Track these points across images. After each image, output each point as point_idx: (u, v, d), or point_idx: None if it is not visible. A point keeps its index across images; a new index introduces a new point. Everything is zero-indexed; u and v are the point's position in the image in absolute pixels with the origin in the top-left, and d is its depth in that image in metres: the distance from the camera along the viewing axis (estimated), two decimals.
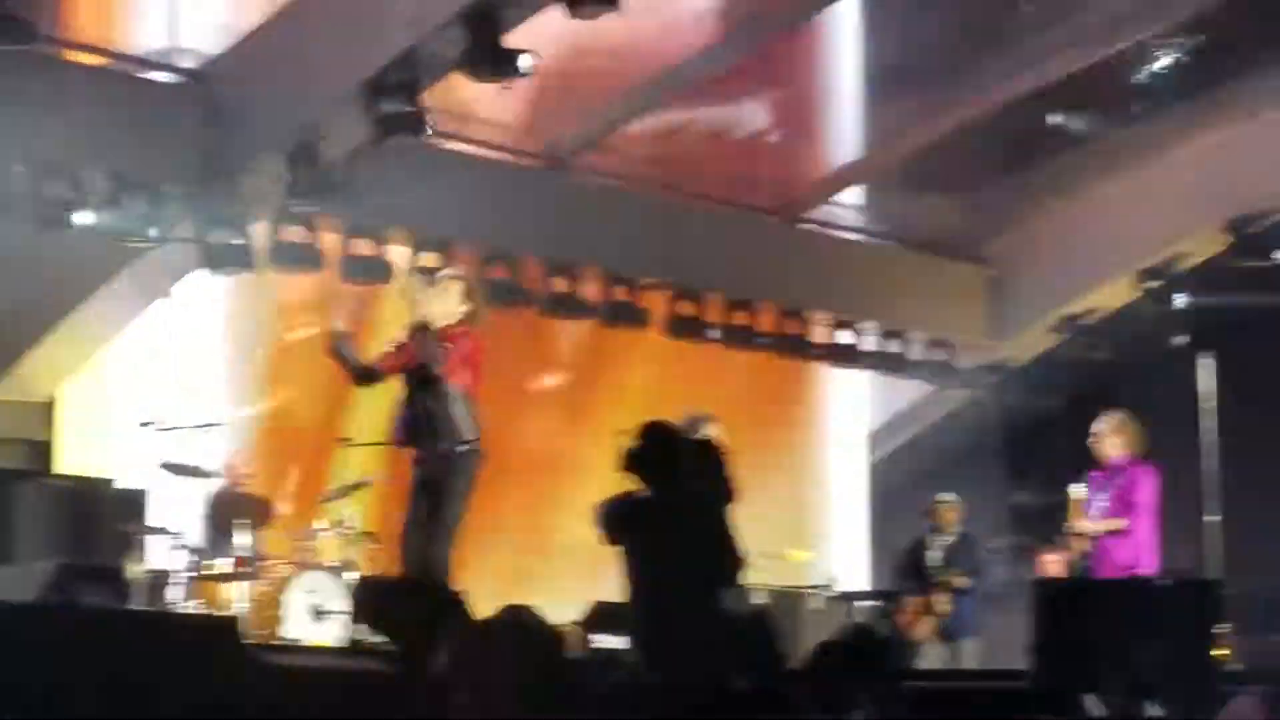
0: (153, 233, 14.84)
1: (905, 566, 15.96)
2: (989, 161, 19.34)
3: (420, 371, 11.21)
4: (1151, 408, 13.35)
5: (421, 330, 11.17)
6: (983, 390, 20.31)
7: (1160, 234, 19.33)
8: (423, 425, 11.24)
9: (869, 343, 19.50)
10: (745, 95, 18.25)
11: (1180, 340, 16.78)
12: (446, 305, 11.41)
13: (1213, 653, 10.56)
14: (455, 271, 11.89)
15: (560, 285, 17.36)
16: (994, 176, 19.66)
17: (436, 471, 11.23)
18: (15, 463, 15.39)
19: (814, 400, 19.93)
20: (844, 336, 19.39)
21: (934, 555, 15.77)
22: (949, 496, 16.06)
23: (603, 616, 13.04)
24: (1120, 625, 10.24)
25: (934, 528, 15.89)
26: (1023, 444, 19.80)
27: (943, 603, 15.48)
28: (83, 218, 14.27)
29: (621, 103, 17.00)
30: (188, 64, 15.11)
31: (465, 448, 11.16)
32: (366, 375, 11.52)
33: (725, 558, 9.34)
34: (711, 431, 11.86)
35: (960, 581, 15.58)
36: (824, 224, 19.43)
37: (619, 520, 9.20)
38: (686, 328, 18.19)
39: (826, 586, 16.52)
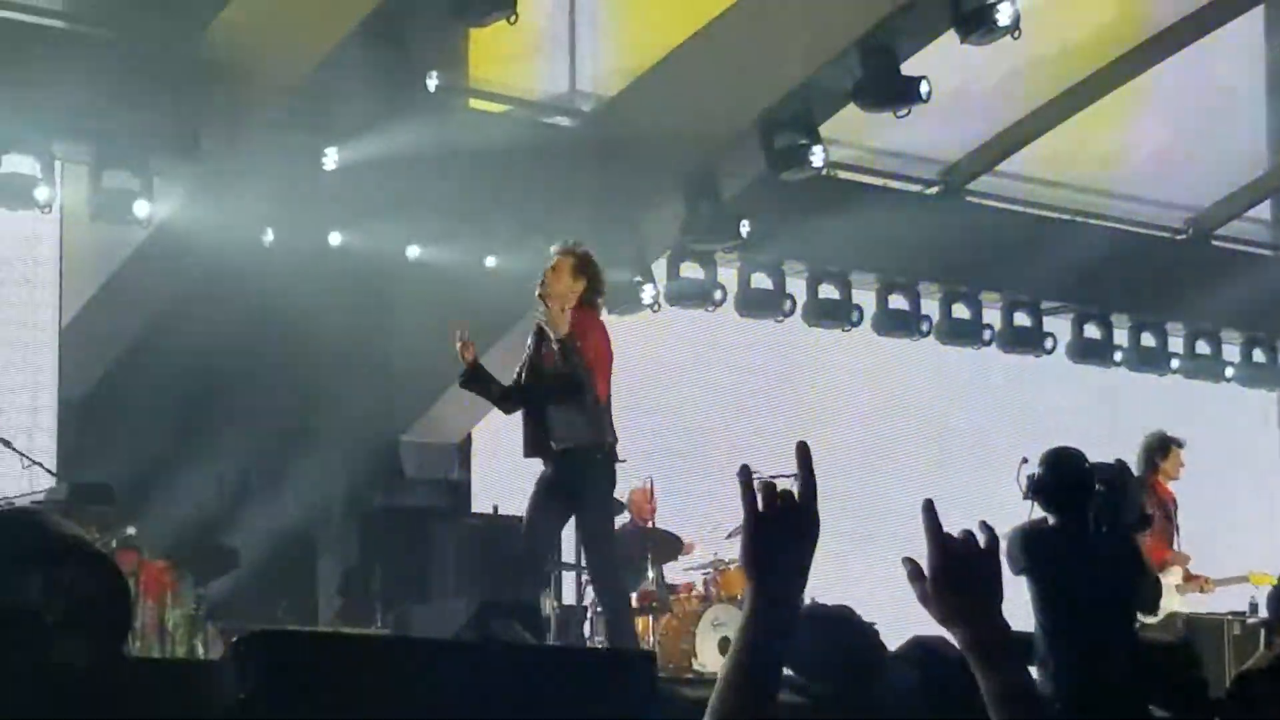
0: None
1: None
2: None
3: (541, 368, 10.32)
4: None
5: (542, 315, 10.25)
6: None
7: None
8: (542, 427, 10.31)
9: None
10: (1146, 112, 17.87)
11: None
12: (560, 284, 10.44)
13: None
14: (566, 245, 10.82)
15: (960, 312, 17.23)
16: None
17: (563, 479, 10.34)
18: (432, 502, 15.77)
19: (1226, 421, 19.37)
20: (1259, 355, 18.88)
21: None
22: None
23: None
24: None
25: None
26: None
27: None
28: (490, 261, 14.62)
29: (1019, 126, 16.80)
30: (586, 107, 15.37)
31: (592, 451, 10.26)
32: (505, 396, 10.54)
33: (1141, 585, 9.13)
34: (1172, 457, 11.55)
35: None
36: (1234, 240, 18.94)
37: (1027, 550, 9.04)
38: (1092, 351, 17.89)
39: (1249, 612, 16.04)
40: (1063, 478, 9.11)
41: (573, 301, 10.37)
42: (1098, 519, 9.08)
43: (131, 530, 11.66)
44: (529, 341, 10.52)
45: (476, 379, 10.56)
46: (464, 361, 10.47)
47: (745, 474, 2.85)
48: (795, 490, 2.84)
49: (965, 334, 17.41)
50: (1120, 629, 8.89)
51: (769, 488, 2.85)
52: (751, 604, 2.82)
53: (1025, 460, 9.41)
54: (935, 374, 17.97)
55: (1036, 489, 9.12)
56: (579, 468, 10.32)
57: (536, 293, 10.40)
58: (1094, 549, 9.02)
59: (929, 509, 2.92)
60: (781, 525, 2.84)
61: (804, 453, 2.85)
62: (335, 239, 14.31)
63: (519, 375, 10.48)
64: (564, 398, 10.22)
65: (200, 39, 13.37)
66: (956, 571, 2.90)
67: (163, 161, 13.44)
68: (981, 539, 2.93)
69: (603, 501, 10.61)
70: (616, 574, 10.82)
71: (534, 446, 10.44)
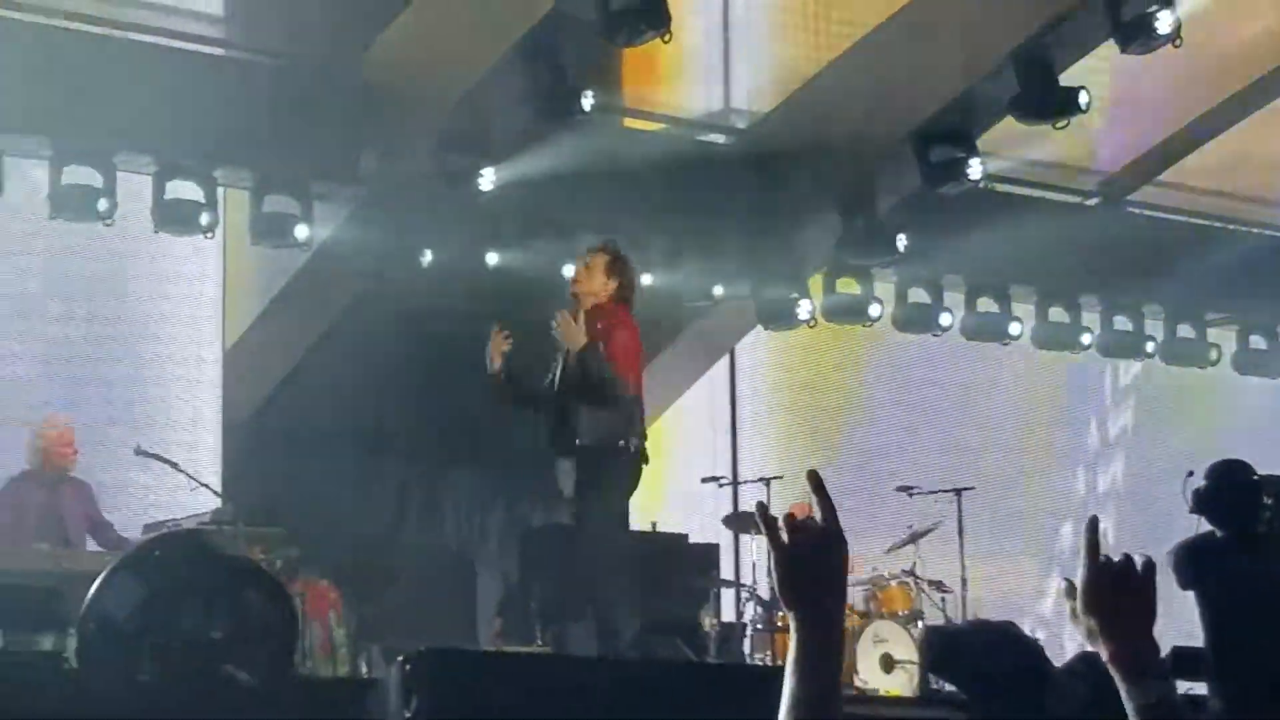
0: (713, 291, 15.13)
1: None
2: None
3: (569, 362, 10.07)
4: None
5: (570, 312, 10.05)
6: None
7: None
8: (562, 422, 10.14)
9: None
10: None
11: None
12: (593, 282, 10.25)
13: None
14: (600, 242, 10.58)
15: (1123, 324, 17.07)
16: None
17: (579, 473, 10.17)
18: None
19: None
20: None
21: None
22: None
23: (1179, 661, 12.69)
24: None
25: None
26: None
27: None
28: (646, 279, 14.64)
29: (1180, 135, 16.61)
30: (741, 124, 15.38)
31: (613, 447, 10.08)
32: (533, 402, 10.37)
33: None
34: None
35: None
36: None
37: (1194, 565, 8.91)
38: (1258, 362, 17.67)
39: None
40: (1229, 490, 8.98)
41: (604, 300, 10.23)
42: (1267, 532, 8.94)
43: (295, 551, 11.78)
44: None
45: (503, 392, 10.39)
46: (493, 370, 10.25)
47: (762, 510, 2.88)
48: (817, 517, 2.87)
49: (1128, 347, 17.24)
50: None
51: (791, 520, 2.86)
52: (798, 634, 2.84)
53: (1191, 474, 9.29)
54: (1093, 387, 17.83)
55: (1202, 502, 9.00)
56: (599, 461, 10.18)
57: (570, 290, 10.33)
58: (1263, 562, 8.88)
59: (1091, 526, 2.94)
60: (811, 553, 2.85)
61: (816, 480, 2.89)
62: (492, 259, 14.39)
63: (550, 380, 10.32)
64: (589, 401, 10.11)
65: (359, 63, 13.51)
66: (1110, 589, 2.92)
67: (323, 185, 13.60)
68: (1139, 561, 2.94)
69: (608, 496, 10.40)
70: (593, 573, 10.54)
71: (561, 444, 10.31)
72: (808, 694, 2.83)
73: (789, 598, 2.86)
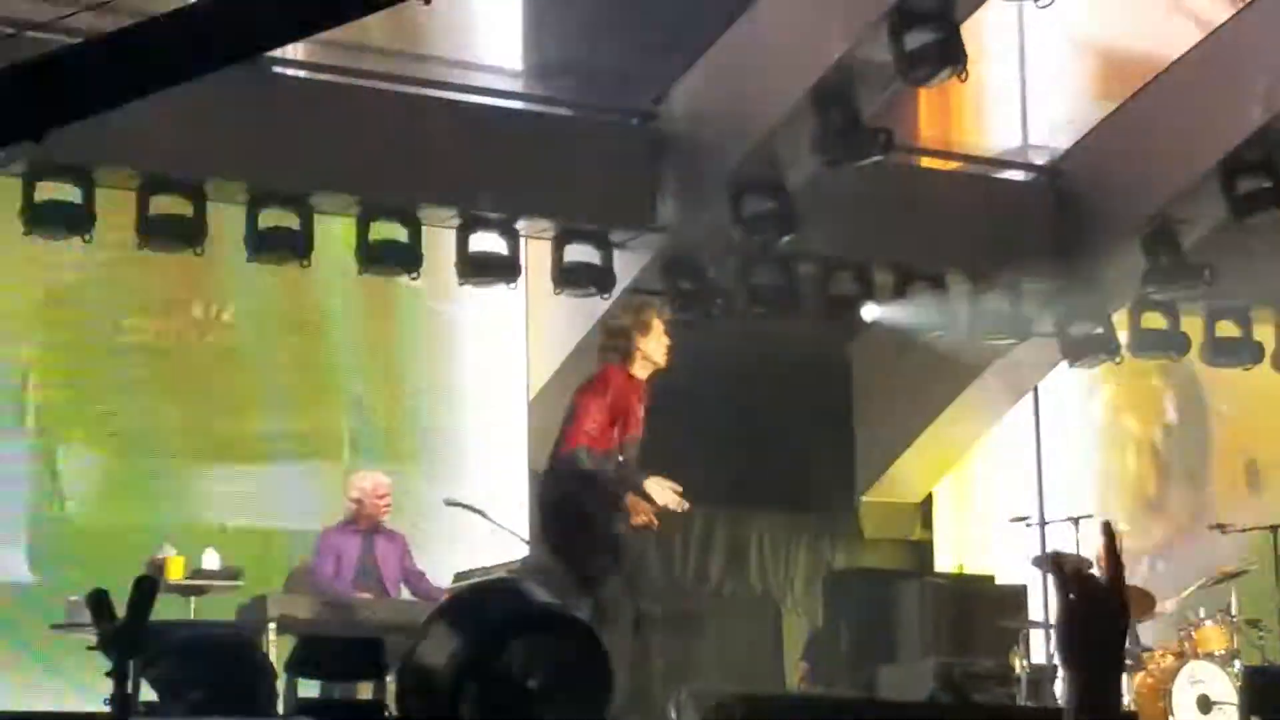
0: (1016, 328, 15.01)
1: None
2: None
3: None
4: None
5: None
6: None
7: None
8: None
9: None
10: None
11: None
12: (650, 345, 10.06)
13: None
14: (652, 301, 10.47)
15: None
16: None
17: None
18: (894, 563, 15.76)
19: None
20: None
21: None
22: None
23: None
24: None
25: None
26: None
27: None
28: (951, 317, 14.57)
29: None
30: (1039, 160, 15.25)
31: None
32: None
33: None
34: None
35: None
36: None
37: None
38: None
39: None
40: None
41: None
42: None
43: None
44: None
45: None
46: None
47: (1054, 560, 2.81)
48: (1102, 574, 2.79)
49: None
50: None
51: (1079, 573, 2.79)
52: (1074, 695, 2.77)
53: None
54: None
55: None
56: None
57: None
58: None
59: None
60: (1094, 613, 2.78)
61: (1109, 535, 2.80)
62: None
63: None
64: None
65: (655, 111, 13.66)
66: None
67: (623, 232, 13.74)
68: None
69: None
70: None
71: None
72: None
73: (1067, 658, 2.81)
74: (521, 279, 13.75)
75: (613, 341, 10.13)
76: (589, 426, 9.88)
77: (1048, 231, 14.79)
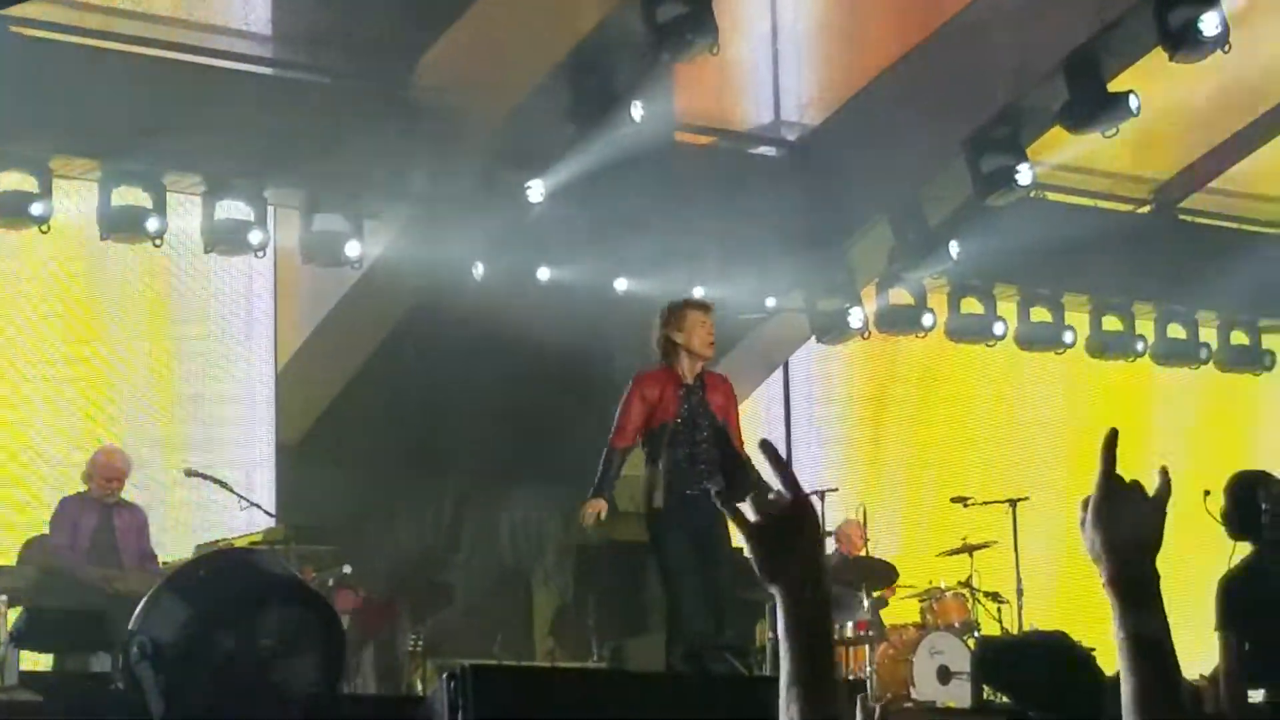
0: (766, 304, 15.11)
1: None
2: None
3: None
4: None
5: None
6: None
7: None
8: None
9: None
10: None
11: None
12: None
13: None
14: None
15: (1176, 331, 16.98)
16: None
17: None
18: (634, 536, 15.79)
19: None
20: None
21: None
22: None
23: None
24: None
25: None
26: None
27: None
28: (699, 291, 14.62)
29: (1231, 142, 16.52)
30: (791, 136, 15.35)
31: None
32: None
33: None
34: None
35: None
36: None
37: (1238, 598, 8.71)
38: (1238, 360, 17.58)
39: None
40: (1246, 506, 8.79)
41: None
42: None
43: (348, 569, 11.79)
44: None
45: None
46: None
47: (720, 495, 2.87)
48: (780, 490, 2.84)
49: (1182, 354, 17.15)
50: None
51: (757, 498, 2.83)
52: (784, 610, 2.81)
53: (1208, 493, 9.07)
54: (1148, 394, 17.75)
55: (1224, 520, 8.83)
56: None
57: (704, 351, 10.43)
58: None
59: (1110, 440, 2.88)
60: (780, 526, 2.81)
61: (769, 450, 2.85)
62: (544, 274, 14.39)
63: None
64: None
65: (407, 80, 13.54)
66: (1120, 507, 2.86)
67: (373, 203, 13.62)
68: (1157, 481, 2.88)
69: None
70: None
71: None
72: (800, 671, 2.80)
73: (767, 573, 2.83)
74: (270, 248, 13.58)
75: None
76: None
77: (797, 207, 14.90)
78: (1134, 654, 2.80)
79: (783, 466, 2.83)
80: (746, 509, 2.81)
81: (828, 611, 2.84)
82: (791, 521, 2.82)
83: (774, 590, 2.83)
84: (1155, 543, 2.87)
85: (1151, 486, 2.88)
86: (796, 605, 2.81)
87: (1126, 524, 2.85)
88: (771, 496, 2.80)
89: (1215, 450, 17.18)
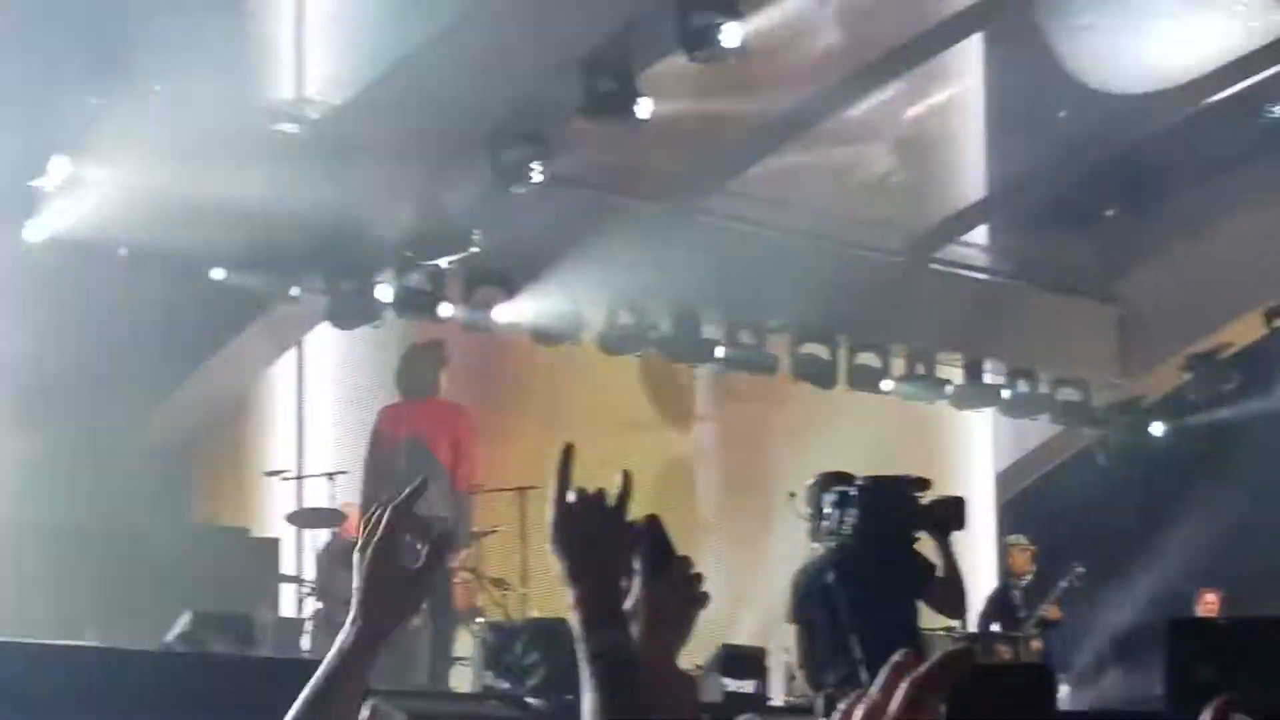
0: (285, 285, 14.96)
1: (992, 608, 15.96)
2: (1117, 198, 19.19)
3: None
4: None
5: None
6: (1115, 429, 20.14)
7: None
8: None
9: (998, 382, 19.38)
10: (870, 136, 18.16)
11: None
12: None
13: None
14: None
15: (684, 331, 17.29)
16: (1123, 214, 19.48)
17: None
18: (150, 512, 15.52)
19: (943, 442, 19.75)
20: (973, 377, 19.27)
21: (1015, 596, 15.83)
22: (1019, 538, 16.16)
23: (729, 660, 13.01)
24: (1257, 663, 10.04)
25: (1008, 571, 16.00)
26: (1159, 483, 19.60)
27: (1033, 640, 15.39)
28: (217, 272, 14.43)
29: (745, 145, 16.96)
30: (314, 115, 15.18)
31: None
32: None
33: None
34: None
35: (1053, 613, 15.61)
36: (951, 264, 19.32)
37: (804, 592, 9.29)
38: (814, 371, 18.08)
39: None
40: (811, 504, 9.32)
41: None
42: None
43: None
44: None
45: None
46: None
47: (564, 459, 2.90)
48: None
49: (692, 353, 17.48)
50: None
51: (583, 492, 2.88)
52: (570, 591, 2.84)
53: (793, 495, 9.57)
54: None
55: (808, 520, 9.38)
56: None
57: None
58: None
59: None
60: (588, 514, 2.88)
61: (565, 456, 2.90)
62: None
63: None
64: None
65: None
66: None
67: None
68: (612, 497, 2.93)
69: None
70: None
71: None
72: (596, 647, 2.82)
73: (558, 544, 2.84)
74: None
75: None
76: None
77: (319, 185, 14.71)
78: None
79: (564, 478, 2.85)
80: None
81: (619, 604, 2.84)
82: (602, 516, 2.89)
83: (561, 565, 2.83)
84: (621, 561, 2.91)
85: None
86: (583, 589, 2.85)
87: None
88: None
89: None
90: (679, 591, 2.93)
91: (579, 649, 2.85)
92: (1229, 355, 19.80)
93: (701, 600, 2.94)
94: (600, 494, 2.92)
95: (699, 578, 2.94)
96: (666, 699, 2.88)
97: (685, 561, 2.93)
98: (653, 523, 2.93)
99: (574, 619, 2.87)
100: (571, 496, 2.91)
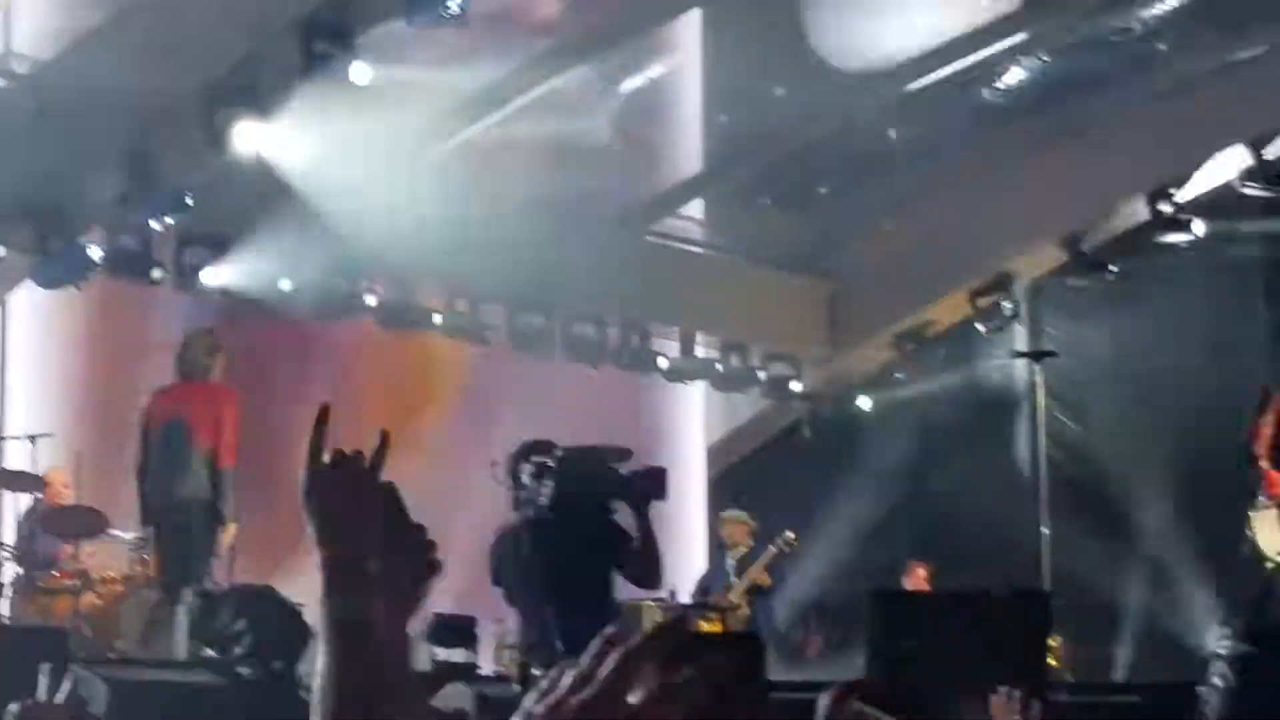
0: None
1: (707, 580, 16.27)
2: (831, 176, 19.49)
3: None
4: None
5: None
6: (823, 404, 20.46)
7: (996, 250, 19.62)
8: None
9: (710, 356, 19.58)
10: (588, 108, 18.19)
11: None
12: None
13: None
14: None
15: (398, 298, 17.21)
16: (836, 191, 19.79)
17: None
18: None
19: (654, 415, 19.90)
20: (685, 349, 19.45)
21: (730, 567, 16.13)
22: (736, 513, 16.45)
23: (440, 629, 12.97)
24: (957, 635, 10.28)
25: (721, 543, 16.29)
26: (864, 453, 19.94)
27: (741, 608, 15.66)
28: None
29: (460, 113, 16.90)
30: (21, 70, 14.82)
31: None
32: None
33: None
34: None
35: (763, 579, 15.90)
36: (666, 236, 19.45)
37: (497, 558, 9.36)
38: (531, 341, 18.12)
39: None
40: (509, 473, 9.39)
41: None
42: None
43: None
44: None
45: None
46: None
47: (320, 417, 2.89)
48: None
49: (408, 320, 17.42)
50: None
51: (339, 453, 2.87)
52: (320, 555, 2.82)
53: (495, 464, 9.54)
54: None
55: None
56: None
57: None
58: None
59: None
60: (341, 477, 2.85)
61: (322, 414, 2.88)
62: None
63: None
64: None
65: None
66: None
67: None
68: (366, 459, 2.93)
69: None
70: None
71: None
72: (336, 612, 2.80)
73: (308, 506, 2.83)
74: None
75: None
76: None
77: (27, 143, 14.40)
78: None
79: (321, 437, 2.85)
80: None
81: (362, 566, 2.81)
82: (359, 479, 2.86)
83: (310, 524, 2.81)
84: (365, 519, 2.89)
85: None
86: (330, 550, 2.82)
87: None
88: None
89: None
90: (413, 559, 2.91)
91: (320, 612, 2.84)
92: (935, 333, 20.22)
93: (435, 567, 2.93)
94: (357, 455, 2.91)
95: (433, 545, 2.93)
96: (396, 667, 2.87)
97: (420, 529, 2.92)
98: (389, 489, 2.91)
99: (323, 581, 2.86)
100: (326, 457, 2.89)
